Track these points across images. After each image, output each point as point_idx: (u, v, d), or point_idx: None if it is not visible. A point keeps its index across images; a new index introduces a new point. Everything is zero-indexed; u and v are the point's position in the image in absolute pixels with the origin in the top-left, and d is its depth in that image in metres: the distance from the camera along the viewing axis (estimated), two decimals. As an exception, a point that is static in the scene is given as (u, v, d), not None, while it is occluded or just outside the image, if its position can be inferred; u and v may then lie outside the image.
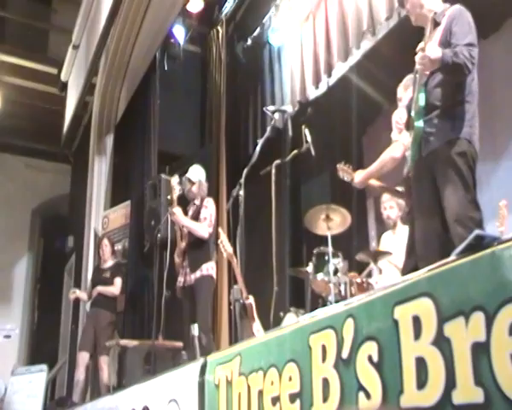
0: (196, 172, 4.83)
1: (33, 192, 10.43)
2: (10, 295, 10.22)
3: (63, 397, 6.93)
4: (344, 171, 3.51)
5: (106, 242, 6.59)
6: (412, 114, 2.83)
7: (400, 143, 3.25)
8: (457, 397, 1.52)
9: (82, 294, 6.77)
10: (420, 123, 2.77)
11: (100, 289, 6.23)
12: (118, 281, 6.33)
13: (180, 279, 4.63)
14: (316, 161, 4.63)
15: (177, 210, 4.56)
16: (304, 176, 6.37)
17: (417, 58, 2.75)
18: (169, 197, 4.69)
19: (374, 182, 3.60)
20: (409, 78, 3.35)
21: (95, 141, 8.48)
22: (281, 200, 5.31)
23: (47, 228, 10.94)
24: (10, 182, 10.27)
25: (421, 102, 2.77)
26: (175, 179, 4.70)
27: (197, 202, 4.78)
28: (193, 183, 4.74)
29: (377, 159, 3.40)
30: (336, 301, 4.08)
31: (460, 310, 1.55)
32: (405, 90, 3.35)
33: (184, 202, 4.87)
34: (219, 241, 4.38)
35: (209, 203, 4.75)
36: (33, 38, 10.21)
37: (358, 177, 3.45)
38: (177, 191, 4.62)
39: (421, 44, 2.79)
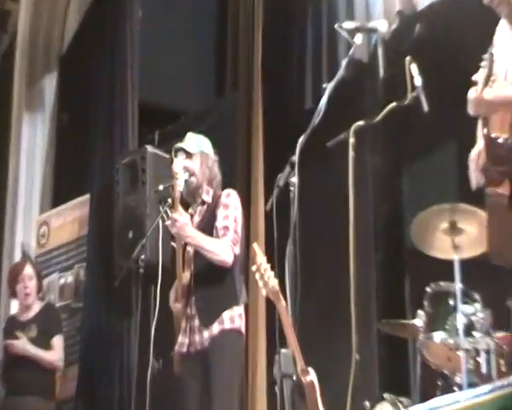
0: (196, 141, 3.57)
1: None
2: None
3: None
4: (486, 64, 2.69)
5: (29, 270, 4.63)
6: None
7: None
8: None
9: None
10: None
11: (30, 351, 4.34)
12: (56, 342, 4.50)
13: (182, 340, 3.40)
14: (430, 122, 3.33)
15: (184, 217, 3.30)
16: (407, 151, 4.77)
17: None
18: (161, 187, 3.55)
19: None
20: None
21: (21, 86, 6.48)
22: (364, 193, 4.02)
23: None
24: None
25: None
26: (179, 162, 3.38)
27: (207, 197, 3.47)
28: (190, 154, 3.45)
29: None
30: (471, 385, 3.23)
31: None
32: None
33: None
34: (254, 266, 2.99)
35: (230, 199, 3.45)
36: None
37: (488, 95, 2.71)
38: (182, 183, 3.38)
39: None
